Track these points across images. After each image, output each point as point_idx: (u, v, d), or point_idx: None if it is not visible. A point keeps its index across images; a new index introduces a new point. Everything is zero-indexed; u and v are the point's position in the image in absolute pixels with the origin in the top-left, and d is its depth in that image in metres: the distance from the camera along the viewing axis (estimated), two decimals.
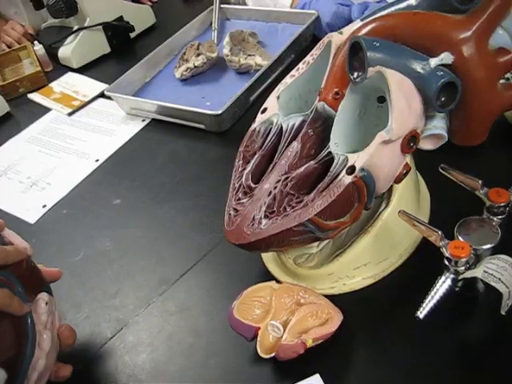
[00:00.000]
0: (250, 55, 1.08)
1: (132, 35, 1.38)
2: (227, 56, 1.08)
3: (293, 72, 0.72)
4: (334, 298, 0.60)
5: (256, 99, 1.00)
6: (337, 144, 0.61)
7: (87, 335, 0.67)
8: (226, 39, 1.09)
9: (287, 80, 0.72)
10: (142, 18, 1.41)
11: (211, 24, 1.29)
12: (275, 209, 0.59)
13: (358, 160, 0.56)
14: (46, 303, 0.56)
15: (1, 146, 1.11)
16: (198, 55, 1.10)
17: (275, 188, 0.61)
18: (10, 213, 0.91)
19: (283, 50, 1.06)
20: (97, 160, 0.97)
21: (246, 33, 1.15)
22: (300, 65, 0.71)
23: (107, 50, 1.35)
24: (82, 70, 1.31)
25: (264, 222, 0.59)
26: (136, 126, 1.03)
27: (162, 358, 0.63)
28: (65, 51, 1.33)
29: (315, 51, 0.70)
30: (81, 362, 0.64)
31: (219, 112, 0.90)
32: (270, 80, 1.03)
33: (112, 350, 0.65)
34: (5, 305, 0.51)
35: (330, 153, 0.60)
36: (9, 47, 1.49)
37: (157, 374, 0.61)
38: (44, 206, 0.90)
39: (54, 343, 0.56)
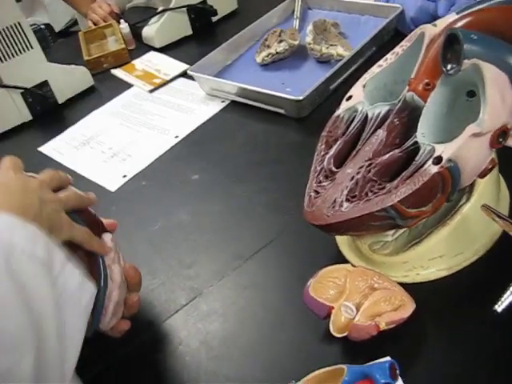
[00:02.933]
0: (331, 45, 1.09)
1: (214, 19, 1.41)
2: (309, 44, 1.09)
3: (380, 62, 0.72)
4: (407, 287, 0.61)
5: (336, 88, 1.01)
6: (423, 134, 0.61)
7: (162, 301, 0.70)
8: (310, 27, 1.10)
9: (374, 69, 0.72)
10: (224, 3, 1.43)
11: (293, 12, 1.30)
12: (357, 193, 0.60)
13: (446, 151, 0.56)
14: (112, 240, 0.61)
15: (85, 117, 1.16)
16: (280, 42, 1.12)
17: (358, 173, 0.62)
18: (92, 180, 0.95)
19: (365, 42, 1.06)
20: (176, 136, 1.01)
21: (329, 23, 1.16)
22: (388, 55, 0.72)
23: (189, 31, 1.38)
24: (163, 50, 1.35)
25: (345, 205, 0.60)
26: (215, 107, 1.06)
27: (233, 329, 0.65)
28: (149, 31, 1.37)
29: (405, 42, 0.71)
30: (155, 323, 0.67)
31: (300, 98, 0.92)
32: (350, 70, 1.04)
33: (186, 316, 0.68)
34: (86, 241, 0.56)
35: (415, 142, 0.61)
36: (95, 25, 1.55)
37: (227, 342, 0.64)
38: (124, 176, 0.94)
39: (123, 279, 0.60)
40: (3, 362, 0.41)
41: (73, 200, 0.58)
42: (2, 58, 1.10)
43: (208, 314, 0.67)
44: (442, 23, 0.66)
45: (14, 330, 0.42)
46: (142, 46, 1.39)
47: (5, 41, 1.08)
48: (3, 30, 1.07)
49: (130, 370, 0.64)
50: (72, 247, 0.55)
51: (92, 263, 0.56)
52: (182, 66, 1.23)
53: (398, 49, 0.71)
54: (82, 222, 0.58)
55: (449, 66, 0.60)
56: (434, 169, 0.56)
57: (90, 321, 0.54)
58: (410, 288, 0.61)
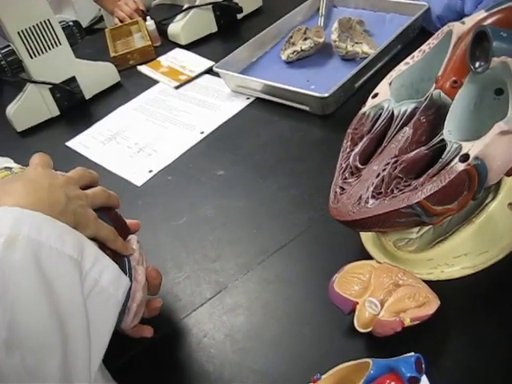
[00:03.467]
0: (356, 43, 1.09)
1: (239, 16, 1.42)
2: (335, 42, 1.09)
3: (407, 60, 0.73)
4: (431, 284, 0.61)
5: (361, 85, 1.01)
6: (450, 132, 0.61)
7: (187, 294, 0.72)
8: (335, 25, 1.11)
9: (401, 67, 0.73)
10: (249, 0, 1.44)
11: (318, 10, 1.30)
12: (383, 190, 0.61)
13: (473, 148, 0.56)
14: (138, 242, 0.62)
15: (111, 112, 1.18)
16: (306, 39, 1.12)
17: (384, 170, 0.62)
18: (118, 175, 0.97)
19: (391, 40, 1.06)
20: (202, 132, 1.02)
21: (354, 20, 1.16)
22: (415, 53, 0.72)
23: (214, 29, 1.39)
24: (189, 47, 1.36)
25: (371, 201, 0.60)
26: (240, 104, 1.07)
27: (258, 322, 0.66)
28: (174, 28, 1.39)
29: (432, 40, 0.71)
30: (180, 316, 0.69)
31: (325, 95, 0.92)
32: (375, 68, 1.04)
33: (211, 309, 0.69)
34: (111, 240, 0.57)
35: (442, 140, 0.61)
36: (121, 21, 1.57)
37: (252, 336, 0.65)
38: (150, 171, 0.96)
39: (145, 280, 0.61)
40: (30, 360, 0.42)
41: (100, 197, 0.59)
42: (32, 55, 1.12)
43: (233, 308, 0.68)
44: (470, 21, 0.66)
45: (40, 329, 0.43)
46: (167, 43, 1.41)
47: (35, 37, 1.10)
48: (33, 26, 1.09)
49: (156, 361, 0.65)
50: (99, 246, 0.56)
51: (118, 263, 0.57)
52: (207, 63, 1.24)
53: (424, 46, 0.72)
54: (109, 222, 0.59)
55: (477, 64, 0.60)
56: (461, 166, 0.56)
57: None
58: (434, 285, 0.61)
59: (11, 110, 1.19)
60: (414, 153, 0.62)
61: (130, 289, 0.57)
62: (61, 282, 0.46)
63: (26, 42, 1.10)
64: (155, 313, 0.64)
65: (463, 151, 0.57)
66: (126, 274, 0.57)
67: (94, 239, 0.55)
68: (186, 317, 0.69)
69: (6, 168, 0.64)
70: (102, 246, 0.57)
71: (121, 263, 0.58)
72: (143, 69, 1.32)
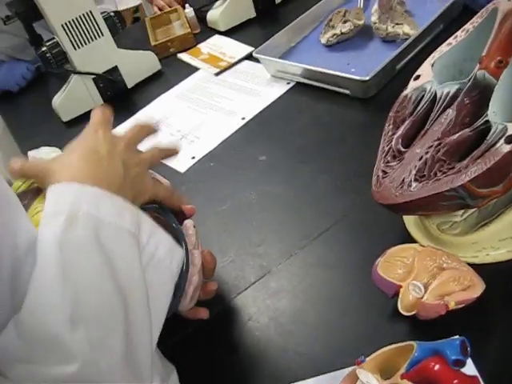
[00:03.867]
0: (397, 24, 1.08)
1: (277, 1, 1.41)
2: (375, 24, 1.08)
3: (450, 40, 0.71)
4: (476, 267, 0.60)
5: (402, 68, 1.00)
6: (495, 113, 0.60)
7: (232, 278, 0.73)
8: (375, 7, 1.09)
9: (443, 48, 0.71)
10: None
11: None
12: (426, 173, 0.60)
13: None
14: (194, 226, 0.63)
15: (153, 100, 1.20)
16: (345, 22, 1.11)
17: (427, 153, 0.62)
18: (162, 162, 0.98)
19: (432, 20, 1.04)
20: (243, 118, 1.02)
21: (395, 1, 1.14)
22: (458, 33, 0.71)
23: (253, 14, 1.39)
24: (228, 33, 1.36)
25: (414, 184, 0.60)
26: (281, 89, 1.07)
27: (301, 306, 0.67)
28: (213, 14, 1.39)
29: (476, 19, 0.69)
30: (225, 299, 0.70)
31: (366, 78, 0.91)
32: (417, 49, 1.02)
33: (255, 293, 0.70)
34: (168, 198, 0.59)
35: (486, 122, 0.60)
36: (160, 10, 1.58)
37: (296, 319, 0.65)
38: (193, 158, 0.97)
39: (201, 263, 0.62)
40: (94, 334, 0.43)
41: (157, 157, 0.61)
42: (75, 46, 1.14)
43: (277, 292, 0.69)
44: None
45: (103, 304, 0.44)
46: (206, 30, 1.42)
47: (78, 29, 1.13)
48: (76, 19, 1.12)
49: (203, 343, 0.67)
50: None
51: None
52: (246, 49, 1.24)
53: (468, 26, 0.70)
54: (166, 207, 0.61)
55: None
56: (506, 148, 0.55)
57: (170, 302, 0.56)
58: (479, 269, 0.60)
59: (57, 100, 1.22)
60: (457, 135, 0.61)
61: (187, 272, 0.58)
62: (121, 256, 0.47)
63: (69, 34, 1.13)
64: (210, 295, 0.65)
65: (509, 132, 0.56)
66: (183, 258, 0.58)
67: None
68: (231, 300, 0.70)
69: None
70: None
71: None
72: (183, 56, 1.33)
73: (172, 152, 0.64)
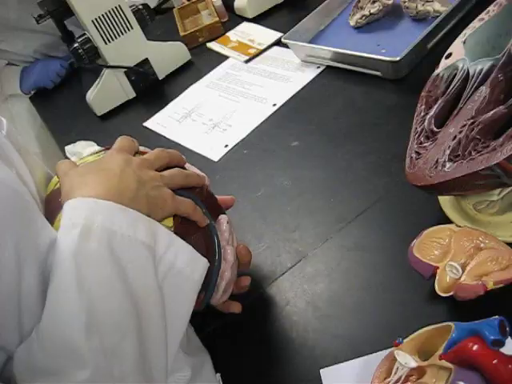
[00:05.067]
0: (427, 1, 1.06)
1: None
2: (404, 2, 1.06)
3: (482, 15, 0.70)
4: None
5: (433, 46, 0.98)
6: None
7: (268, 264, 0.74)
8: None
9: (475, 24, 0.70)
10: None
11: None
12: (460, 153, 0.60)
13: None
14: (228, 222, 0.63)
15: (184, 91, 1.21)
16: (374, 2, 1.10)
17: (460, 132, 0.61)
18: (195, 151, 1.00)
19: None
20: (274, 104, 1.03)
21: None
22: (491, 7, 0.70)
23: None
24: (256, 20, 1.36)
25: (448, 165, 0.60)
26: (311, 73, 1.07)
27: (339, 290, 0.67)
28: (240, 2, 1.39)
29: None
30: (262, 285, 0.71)
31: (397, 58, 0.90)
32: (448, 27, 1.00)
33: (292, 278, 0.71)
34: (188, 213, 0.58)
35: None
36: (188, 0, 1.59)
37: (333, 303, 0.66)
38: (226, 146, 0.98)
39: (235, 258, 0.63)
40: (107, 342, 0.45)
41: (178, 177, 0.60)
42: (106, 41, 1.16)
43: (313, 276, 0.69)
44: None
45: (116, 313, 0.46)
46: (234, 18, 1.42)
47: (108, 24, 1.15)
48: (106, 14, 1.13)
49: (242, 328, 0.68)
50: (190, 229, 0.58)
51: (208, 243, 0.59)
52: (275, 35, 1.24)
53: None
54: (200, 202, 0.61)
55: None
56: None
57: (202, 296, 0.58)
58: None
59: (90, 95, 1.24)
60: (491, 112, 0.60)
61: (219, 268, 0.59)
62: (134, 267, 0.48)
63: (100, 29, 1.14)
64: (243, 290, 0.67)
65: None
66: (215, 254, 0.59)
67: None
68: (268, 286, 0.71)
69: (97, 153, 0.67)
70: (194, 228, 0.59)
71: (211, 243, 0.60)
72: (213, 45, 1.34)
73: (193, 179, 0.63)
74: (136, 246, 0.49)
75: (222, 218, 0.64)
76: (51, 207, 0.57)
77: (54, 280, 0.45)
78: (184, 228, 0.57)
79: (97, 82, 1.24)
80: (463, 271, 0.58)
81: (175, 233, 0.54)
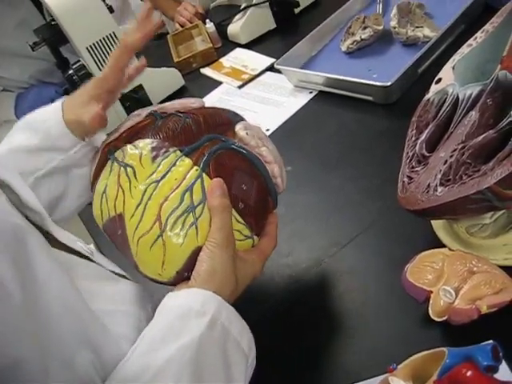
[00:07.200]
0: (417, 27, 1.08)
1: (296, 10, 1.42)
2: (394, 28, 1.07)
3: (470, 41, 0.71)
4: (508, 270, 0.60)
5: (424, 71, 0.99)
6: None
7: (262, 290, 0.73)
8: (394, 11, 1.09)
9: (464, 49, 0.71)
10: None
11: None
12: (451, 177, 0.60)
13: None
14: (245, 128, 0.64)
15: None
16: (365, 28, 1.11)
17: (451, 157, 0.61)
18: None
19: (453, 21, 1.03)
20: (267, 129, 1.03)
21: (414, 4, 1.14)
22: (478, 34, 0.71)
23: (273, 25, 1.40)
24: (249, 46, 1.38)
25: (440, 189, 0.60)
26: (304, 98, 1.08)
27: (334, 315, 0.67)
28: (234, 28, 1.41)
29: (496, 19, 0.69)
30: (256, 310, 0.70)
31: (388, 83, 0.91)
32: (438, 52, 1.02)
33: (286, 303, 0.70)
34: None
35: (510, 122, 0.59)
36: (182, 26, 1.61)
37: (329, 328, 0.66)
38: None
39: (273, 152, 0.65)
40: None
41: None
42: (100, 67, 1.17)
43: (307, 301, 0.69)
44: None
45: None
46: (228, 44, 1.44)
47: (102, 51, 1.15)
48: (100, 40, 1.14)
49: None
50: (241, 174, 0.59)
51: (248, 165, 0.60)
52: (268, 60, 1.25)
53: (488, 26, 0.70)
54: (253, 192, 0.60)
55: None
56: None
57: (271, 200, 0.63)
58: (511, 271, 0.60)
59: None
60: (481, 137, 0.61)
61: (268, 175, 0.62)
62: (236, 369, 0.52)
63: (94, 56, 1.15)
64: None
65: None
66: (253, 164, 0.61)
67: None
68: (263, 311, 0.70)
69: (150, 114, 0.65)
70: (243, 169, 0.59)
71: (249, 164, 0.60)
72: (206, 71, 1.35)
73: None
74: (240, 351, 0.53)
75: (238, 127, 0.64)
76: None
77: (170, 351, 0.48)
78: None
79: None
80: (457, 295, 0.58)
81: None
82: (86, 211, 0.69)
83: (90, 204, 0.64)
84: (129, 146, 0.59)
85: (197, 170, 0.56)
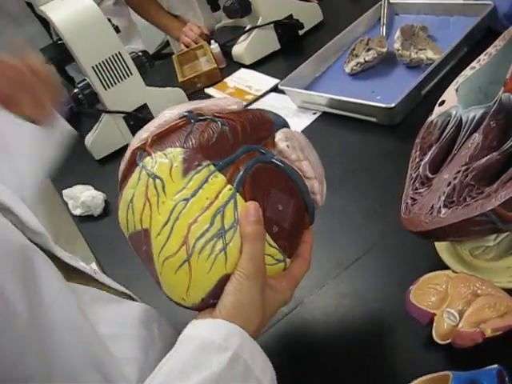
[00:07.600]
0: (420, 49, 1.08)
1: (301, 32, 1.43)
2: (398, 50, 1.08)
3: (473, 64, 0.72)
4: None
5: (427, 93, 1.00)
6: None
7: None
8: (397, 34, 1.10)
9: (467, 72, 0.72)
10: (310, 16, 1.46)
11: (379, 19, 1.30)
12: (455, 199, 0.60)
13: None
14: (286, 138, 0.60)
15: None
16: (369, 50, 1.12)
17: (455, 178, 0.61)
18: None
19: (456, 43, 1.04)
20: None
21: (417, 27, 1.15)
22: (481, 56, 0.71)
23: (277, 46, 1.41)
24: (253, 66, 1.39)
25: (443, 211, 0.60)
26: (307, 119, 1.08)
27: (336, 337, 0.66)
28: (238, 49, 1.42)
29: (499, 42, 0.70)
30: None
31: (392, 105, 0.92)
32: (441, 74, 1.02)
33: (288, 325, 0.70)
34: None
35: None
36: (187, 47, 1.62)
37: (330, 351, 0.65)
38: None
39: (313, 165, 0.61)
40: None
41: None
42: (106, 86, 1.18)
43: (310, 323, 0.69)
44: None
45: None
46: (232, 64, 1.45)
47: (108, 70, 1.16)
48: (106, 60, 1.16)
49: None
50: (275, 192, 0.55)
51: (286, 179, 0.57)
52: (272, 81, 1.26)
53: (491, 49, 0.71)
54: (290, 212, 0.57)
55: None
56: None
57: (307, 216, 0.59)
58: None
59: (89, 139, 1.25)
60: (485, 159, 0.61)
61: (306, 189, 0.58)
62: None
63: (100, 75, 1.16)
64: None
65: None
66: (293, 181, 0.57)
67: None
68: (265, 332, 0.70)
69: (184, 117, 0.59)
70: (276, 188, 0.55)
71: (286, 178, 0.57)
72: (211, 91, 1.36)
73: None
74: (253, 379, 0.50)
75: (278, 137, 0.60)
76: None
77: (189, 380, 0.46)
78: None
79: (95, 126, 1.26)
80: (461, 318, 0.58)
81: None
82: (88, 228, 0.69)
83: (94, 220, 0.63)
84: (159, 154, 0.54)
85: (230, 189, 0.51)
